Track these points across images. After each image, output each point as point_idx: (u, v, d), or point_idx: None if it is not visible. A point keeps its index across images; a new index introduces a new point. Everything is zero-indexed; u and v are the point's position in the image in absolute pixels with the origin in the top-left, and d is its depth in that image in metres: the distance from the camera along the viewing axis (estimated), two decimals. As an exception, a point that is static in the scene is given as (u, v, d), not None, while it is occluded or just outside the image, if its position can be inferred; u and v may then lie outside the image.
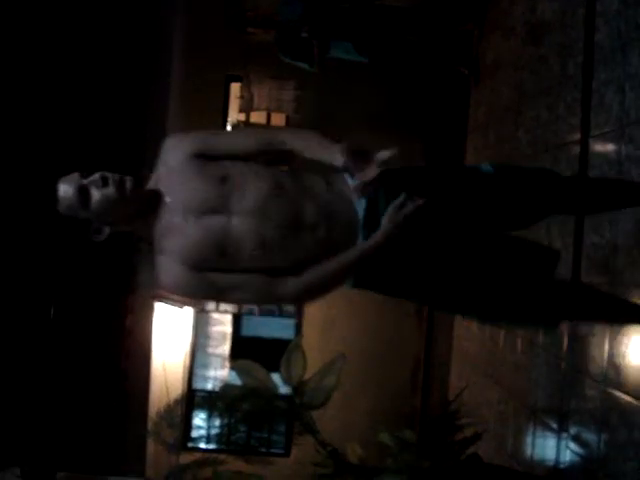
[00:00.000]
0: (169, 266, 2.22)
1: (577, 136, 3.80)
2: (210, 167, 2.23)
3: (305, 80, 6.59)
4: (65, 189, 2.19)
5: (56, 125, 5.75)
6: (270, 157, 2.30)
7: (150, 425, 6.61)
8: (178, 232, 2.20)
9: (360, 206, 2.24)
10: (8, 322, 5.35)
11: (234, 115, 7.00)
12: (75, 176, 2.20)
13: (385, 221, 2.16)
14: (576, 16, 3.95)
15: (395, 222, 2.14)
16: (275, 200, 2.20)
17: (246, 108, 6.73)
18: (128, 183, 2.19)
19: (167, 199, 2.23)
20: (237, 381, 6.33)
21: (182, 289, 2.30)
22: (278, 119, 6.97)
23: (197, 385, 7.42)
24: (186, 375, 7.24)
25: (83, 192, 2.17)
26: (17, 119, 5.51)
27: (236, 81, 7.00)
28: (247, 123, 6.72)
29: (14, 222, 4.79)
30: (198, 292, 2.32)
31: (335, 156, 2.19)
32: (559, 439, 3.85)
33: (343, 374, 5.59)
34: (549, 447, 4.01)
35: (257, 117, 6.87)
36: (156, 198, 2.24)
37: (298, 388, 5.66)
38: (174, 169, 2.25)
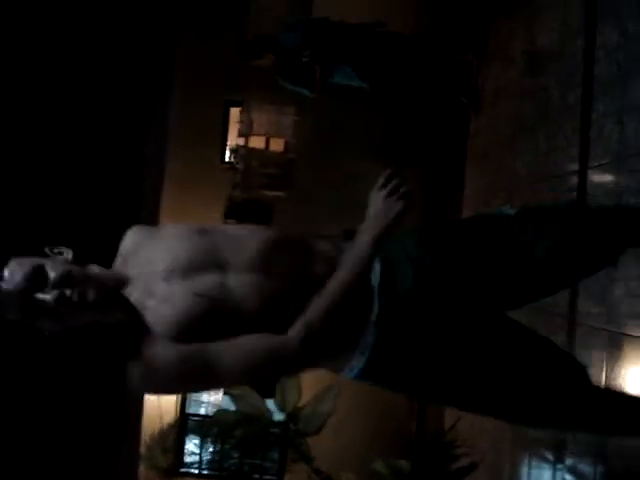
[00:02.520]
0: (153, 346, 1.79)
1: (576, 167, 3.81)
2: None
3: (304, 106, 6.61)
4: (14, 270, 1.73)
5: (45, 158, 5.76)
6: None
7: (143, 449, 6.56)
8: (158, 301, 1.79)
9: (375, 272, 1.90)
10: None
11: (233, 140, 7.02)
12: (22, 279, 1.72)
13: (372, 220, 1.88)
14: (575, 47, 3.97)
15: (386, 222, 1.87)
16: (277, 251, 1.87)
17: (245, 133, 6.75)
18: (90, 299, 1.75)
19: (133, 273, 1.85)
20: (231, 407, 6.30)
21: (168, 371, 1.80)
22: (277, 144, 6.98)
23: (191, 410, 7.37)
24: (180, 400, 7.19)
25: (29, 307, 1.73)
26: None
27: (235, 106, 7.03)
28: (246, 148, 6.73)
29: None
30: (185, 373, 1.79)
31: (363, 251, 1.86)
32: (555, 470, 3.83)
33: (338, 401, 5.57)
34: (545, 478, 3.98)
35: (256, 142, 6.88)
36: (123, 288, 1.83)
37: (293, 415, 5.65)
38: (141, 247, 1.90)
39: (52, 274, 1.73)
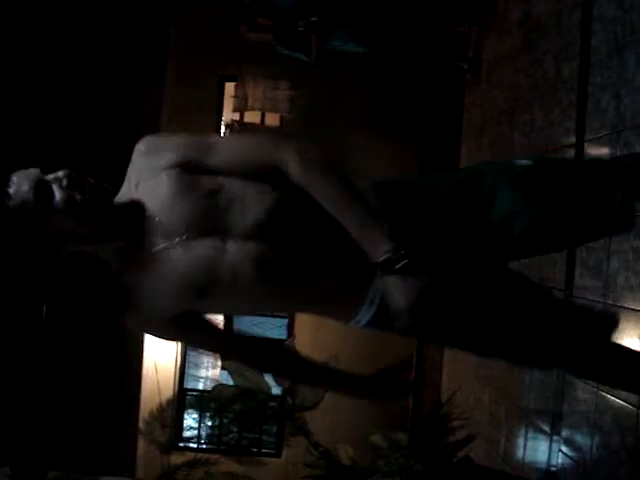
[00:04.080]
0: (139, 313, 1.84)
1: (572, 139, 3.81)
2: (196, 179, 1.79)
3: (299, 80, 6.59)
4: (19, 183, 1.71)
5: (38, 121, 5.71)
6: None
7: (142, 425, 6.60)
8: (153, 267, 1.78)
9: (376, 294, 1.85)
10: (1, 322, 5.33)
11: (228, 115, 6.99)
12: (34, 170, 1.74)
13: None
14: (572, 20, 3.95)
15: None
16: (278, 218, 1.80)
17: (240, 108, 6.73)
18: (104, 190, 1.76)
19: (148, 215, 1.79)
20: (229, 381, 6.33)
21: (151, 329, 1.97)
22: (272, 119, 6.96)
23: (189, 385, 7.41)
24: (178, 375, 7.22)
25: (43, 188, 1.70)
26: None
27: (230, 81, 6.99)
28: (241, 123, 6.71)
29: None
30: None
31: (373, 247, 1.77)
32: (551, 442, 3.86)
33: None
34: (541, 450, 4.02)
35: (251, 117, 6.86)
36: (133, 214, 1.79)
37: (290, 389, 5.67)
38: (150, 179, 1.81)
39: (59, 172, 1.74)
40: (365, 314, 1.90)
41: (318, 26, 5.38)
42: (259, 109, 6.83)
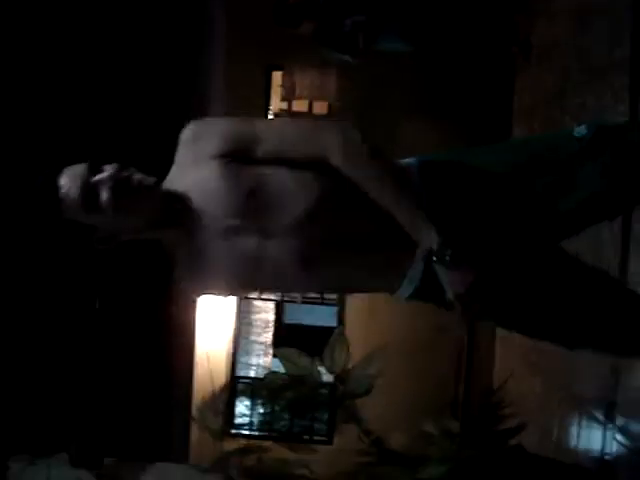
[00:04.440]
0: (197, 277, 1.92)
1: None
2: (239, 170, 1.80)
3: (347, 68, 6.55)
4: (67, 187, 1.76)
5: (83, 109, 5.76)
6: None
7: (194, 412, 6.68)
8: (203, 252, 1.85)
9: (416, 274, 1.87)
10: (55, 312, 5.44)
11: (276, 104, 7.01)
12: (81, 169, 1.78)
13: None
14: (624, 2, 3.87)
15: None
16: (319, 211, 1.81)
17: (288, 96, 6.74)
18: (149, 186, 1.80)
19: (193, 207, 1.83)
20: (280, 369, 6.37)
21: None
22: (320, 107, 6.95)
23: (240, 372, 7.47)
24: (229, 363, 7.29)
25: (90, 193, 1.75)
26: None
27: (278, 69, 7.00)
28: (289, 111, 6.72)
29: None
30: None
31: (421, 235, 1.78)
32: (605, 430, 3.81)
33: (386, 363, 5.59)
34: (595, 438, 3.97)
35: (299, 105, 6.86)
36: (180, 206, 1.84)
37: (341, 376, 5.69)
38: (196, 168, 1.83)
39: (107, 167, 1.79)
40: (406, 288, 1.91)
41: (366, 25, 5.31)
42: (307, 97, 6.83)
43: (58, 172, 1.78)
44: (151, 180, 1.81)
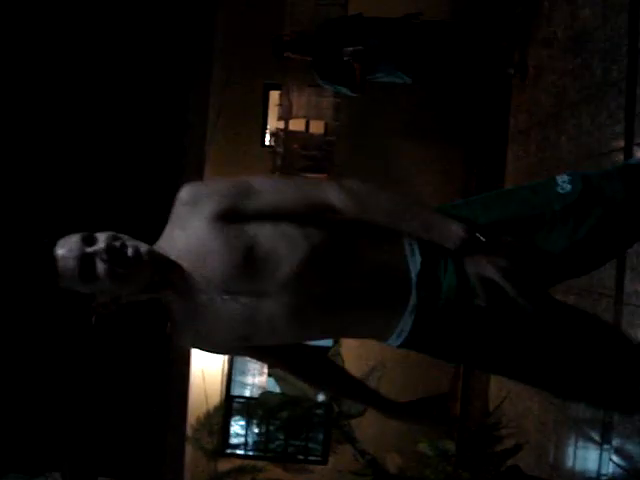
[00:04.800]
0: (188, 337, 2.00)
1: (621, 143, 3.74)
2: (232, 232, 1.83)
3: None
4: (65, 260, 1.79)
5: (84, 133, 5.79)
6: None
7: (189, 431, 6.65)
8: (197, 313, 1.88)
9: (414, 263, 1.89)
10: (50, 330, 5.42)
11: (273, 123, 7.03)
12: (75, 241, 1.80)
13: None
14: (619, 21, 3.89)
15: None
16: (312, 268, 1.84)
17: (285, 116, 6.76)
18: (144, 255, 1.82)
19: (187, 269, 1.85)
20: (276, 388, 6.35)
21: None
22: (317, 126, 6.98)
23: (235, 392, 7.44)
24: (225, 382, 7.26)
25: (86, 265, 1.78)
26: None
27: (275, 89, 7.03)
28: (286, 131, 6.74)
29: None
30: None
31: (446, 235, 1.83)
32: (602, 451, 3.79)
33: (382, 382, 5.57)
34: (591, 459, 3.94)
35: (296, 125, 6.88)
36: (174, 270, 1.86)
37: (336, 397, 5.66)
38: (190, 230, 1.85)
39: (101, 236, 1.81)
40: (395, 340, 1.94)
41: (364, 56, 5.32)
42: (304, 117, 6.85)
43: (53, 243, 1.81)
44: (145, 247, 1.83)
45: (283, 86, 6.79)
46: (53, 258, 1.79)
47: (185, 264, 1.85)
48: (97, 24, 5.99)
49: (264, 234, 1.83)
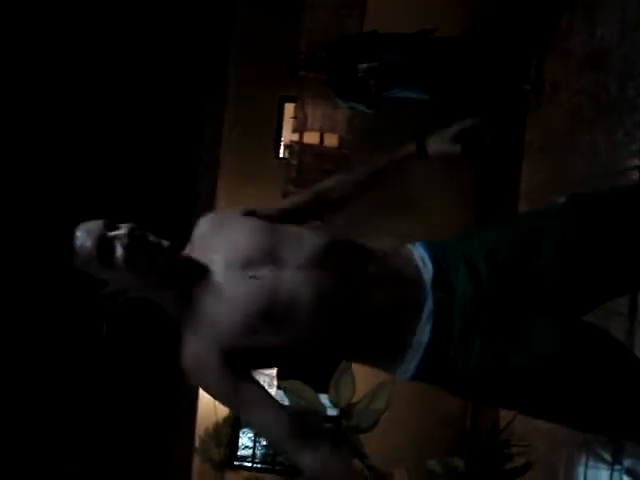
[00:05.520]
0: (196, 347, 1.86)
1: (636, 162, 3.73)
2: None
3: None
4: (83, 239, 1.79)
5: (95, 145, 5.81)
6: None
7: (197, 443, 6.63)
8: (215, 297, 1.85)
9: (426, 266, 1.91)
10: (60, 342, 5.43)
11: (288, 135, 7.04)
12: (97, 224, 1.82)
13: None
14: (635, 40, 3.89)
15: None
16: (333, 252, 1.89)
17: (300, 128, 6.77)
18: (162, 247, 1.84)
19: (205, 262, 1.89)
20: (284, 401, 6.32)
21: (205, 382, 1.93)
22: (331, 140, 6.97)
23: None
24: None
25: (105, 246, 1.79)
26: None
27: (290, 101, 7.04)
28: (300, 143, 6.74)
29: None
30: (221, 393, 1.92)
31: None
32: (612, 471, 3.76)
33: (392, 398, 5.54)
34: (602, 479, 3.91)
35: (310, 137, 6.88)
36: (193, 267, 1.89)
37: (346, 410, 5.63)
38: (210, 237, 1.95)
39: (124, 225, 1.83)
40: (410, 363, 1.89)
41: (379, 72, 5.33)
42: (318, 130, 6.85)
43: (75, 224, 1.83)
44: (165, 242, 1.85)
45: (298, 99, 6.80)
46: (72, 234, 1.79)
47: (204, 257, 1.89)
48: (111, 36, 6.03)
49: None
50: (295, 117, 6.78)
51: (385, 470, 5.27)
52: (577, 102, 4.87)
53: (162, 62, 6.32)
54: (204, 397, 6.81)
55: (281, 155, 7.20)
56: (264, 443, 6.77)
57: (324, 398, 5.97)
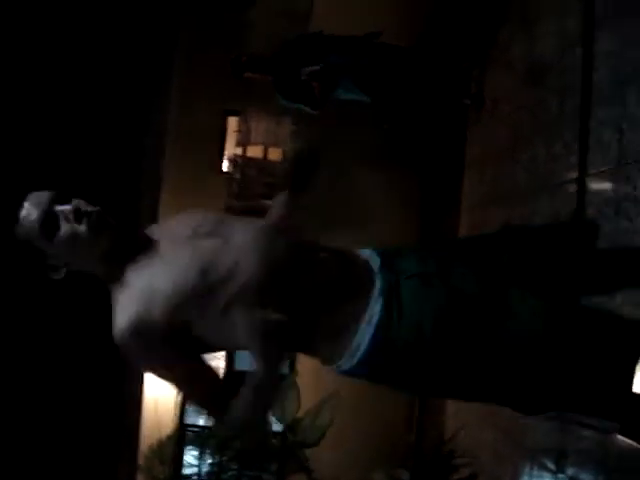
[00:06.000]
0: (137, 318, 1.79)
1: (574, 174, 3.80)
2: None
3: (302, 115, 6.60)
4: (29, 210, 1.78)
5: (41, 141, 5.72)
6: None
7: (141, 460, 6.53)
8: (159, 268, 1.84)
9: (374, 259, 1.97)
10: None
11: (231, 149, 7.01)
12: (46, 196, 1.80)
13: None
14: (574, 55, 3.96)
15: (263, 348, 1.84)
16: (281, 234, 1.96)
17: (243, 142, 6.74)
18: (106, 223, 1.83)
19: (153, 237, 1.92)
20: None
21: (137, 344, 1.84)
22: (275, 153, 6.97)
23: (189, 421, 7.33)
24: (178, 410, 7.15)
25: (50, 220, 1.78)
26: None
27: (234, 115, 7.01)
28: (244, 157, 6.71)
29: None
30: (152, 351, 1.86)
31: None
32: (556, 479, 3.80)
33: (337, 411, 5.53)
34: (546, 488, 3.96)
35: (254, 151, 6.87)
36: (139, 243, 1.90)
37: (292, 426, 5.62)
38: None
39: (68, 206, 1.81)
40: (360, 343, 1.88)
41: (322, 75, 5.36)
42: (262, 144, 6.84)
43: (25, 193, 1.81)
44: (112, 219, 1.84)
45: (242, 112, 6.77)
46: (19, 204, 1.78)
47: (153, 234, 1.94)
48: (54, 41, 5.94)
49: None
50: (239, 131, 6.75)
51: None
52: (517, 116, 4.95)
53: (105, 72, 6.26)
54: (148, 413, 6.72)
55: (224, 169, 7.16)
56: (209, 461, 6.68)
57: (270, 414, 5.94)
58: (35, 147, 5.74)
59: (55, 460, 5.97)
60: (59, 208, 1.79)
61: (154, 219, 6.77)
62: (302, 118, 6.65)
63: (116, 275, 1.87)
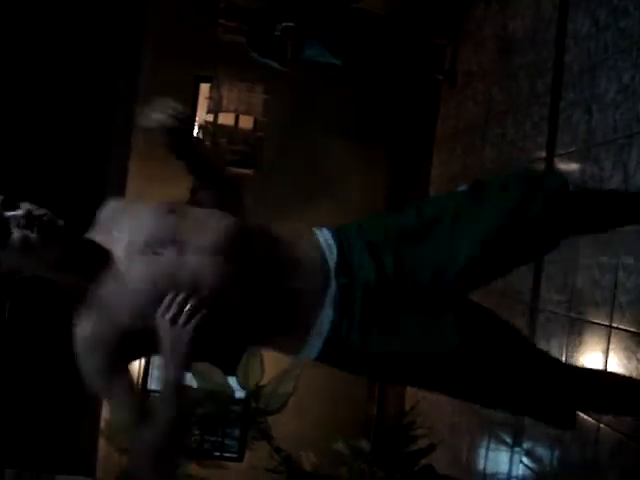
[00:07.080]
0: (93, 330, 1.82)
1: (543, 154, 3.84)
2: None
3: (275, 84, 6.57)
4: None
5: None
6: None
7: (103, 424, 6.53)
8: (116, 279, 1.82)
9: (332, 251, 1.95)
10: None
11: (202, 116, 6.95)
12: None
13: (165, 356, 1.87)
14: (547, 35, 3.99)
15: (176, 360, 1.87)
16: (237, 237, 1.90)
17: (215, 109, 6.68)
18: (56, 227, 1.78)
19: (108, 245, 1.87)
20: (193, 383, 6.28)
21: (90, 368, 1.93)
22: (246, 121, 6.93)
23: (152, 386, 7.34)
24: (141, 376, 7.16)
25: (0, 227, 1.72)
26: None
27: (205, 82, 6.95)
28: (215, 124, 6.67)
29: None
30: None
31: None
32: (513, 453, 3.88)
33: (300, 381, 5.57)
34: (503, 461, 4.04)
35: (225, 119, 6.82)
36: (93, 250, 1.87)
37: (254, 393, 5.64)
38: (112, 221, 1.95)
39: (19, 211, 1.76)
40: (313, 346, 1.93)
41: (295, 32, 5.31)
42: (233, 111, 6.78)
43: None
44: (62, 223, 1.80)
45: (214, 79, 6.71)
46: None
47: (104, 241, 1.88)
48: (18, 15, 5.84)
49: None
50: (210, 97, 6.69)
51: (293, 452, 5.30)
52: (489, 94, 4.97)
53: (74, 38, 6.17)
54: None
55: (195, 135, 7.10)
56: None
57: (233, 381, 5.96)
58: None
59: (13, 420, 5.96)
60: (9, 214, 1.74)
61: (122, 187, 6.72)
62: (275, 86, 6.62)
63: (75, 284, 1.87)
